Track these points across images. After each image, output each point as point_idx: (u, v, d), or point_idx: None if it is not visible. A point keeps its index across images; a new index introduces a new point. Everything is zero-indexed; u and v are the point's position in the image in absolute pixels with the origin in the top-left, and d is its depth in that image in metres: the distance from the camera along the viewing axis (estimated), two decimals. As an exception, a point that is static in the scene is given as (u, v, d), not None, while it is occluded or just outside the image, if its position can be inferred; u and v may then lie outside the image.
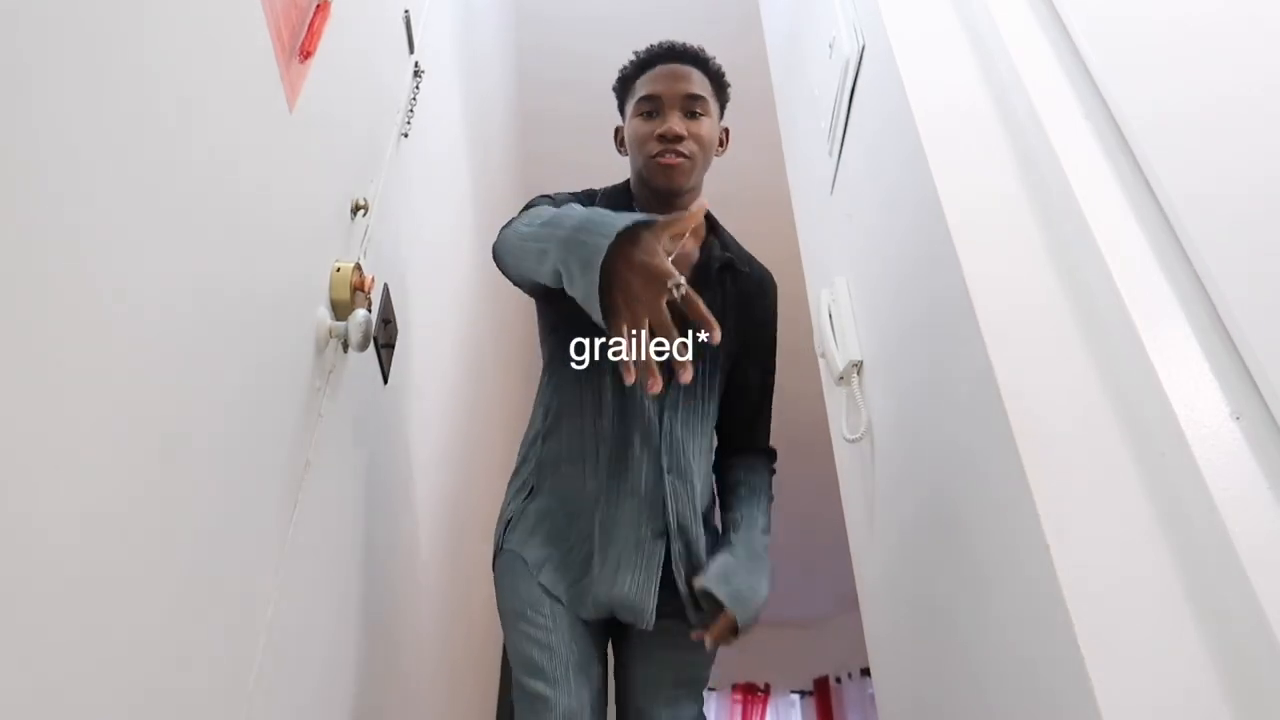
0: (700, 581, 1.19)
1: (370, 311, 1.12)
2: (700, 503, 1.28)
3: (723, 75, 1.38)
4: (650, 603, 1.18)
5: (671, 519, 1.22)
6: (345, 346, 1.08)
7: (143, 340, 0.62)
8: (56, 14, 0.51)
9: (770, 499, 1.37)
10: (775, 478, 1.41)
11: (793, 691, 7.40)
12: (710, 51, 1.38)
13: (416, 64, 1.56)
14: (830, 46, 1.61)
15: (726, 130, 1.42)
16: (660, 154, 1.29)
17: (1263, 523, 0.69)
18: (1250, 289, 0.80)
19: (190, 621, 0.71)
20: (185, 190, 0.67)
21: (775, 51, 2.42)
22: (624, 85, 1.39)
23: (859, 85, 1.44)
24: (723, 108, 1.40)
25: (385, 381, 1.38)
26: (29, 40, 0.48)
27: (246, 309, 0.81)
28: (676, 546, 1.22)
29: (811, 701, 7.29)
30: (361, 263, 1.15)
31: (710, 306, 1.10)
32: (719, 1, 3.16)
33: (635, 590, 1.18)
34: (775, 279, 1.47)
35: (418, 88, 1.54)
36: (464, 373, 2.18)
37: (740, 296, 1.36)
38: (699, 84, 1.33)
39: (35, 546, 0.50)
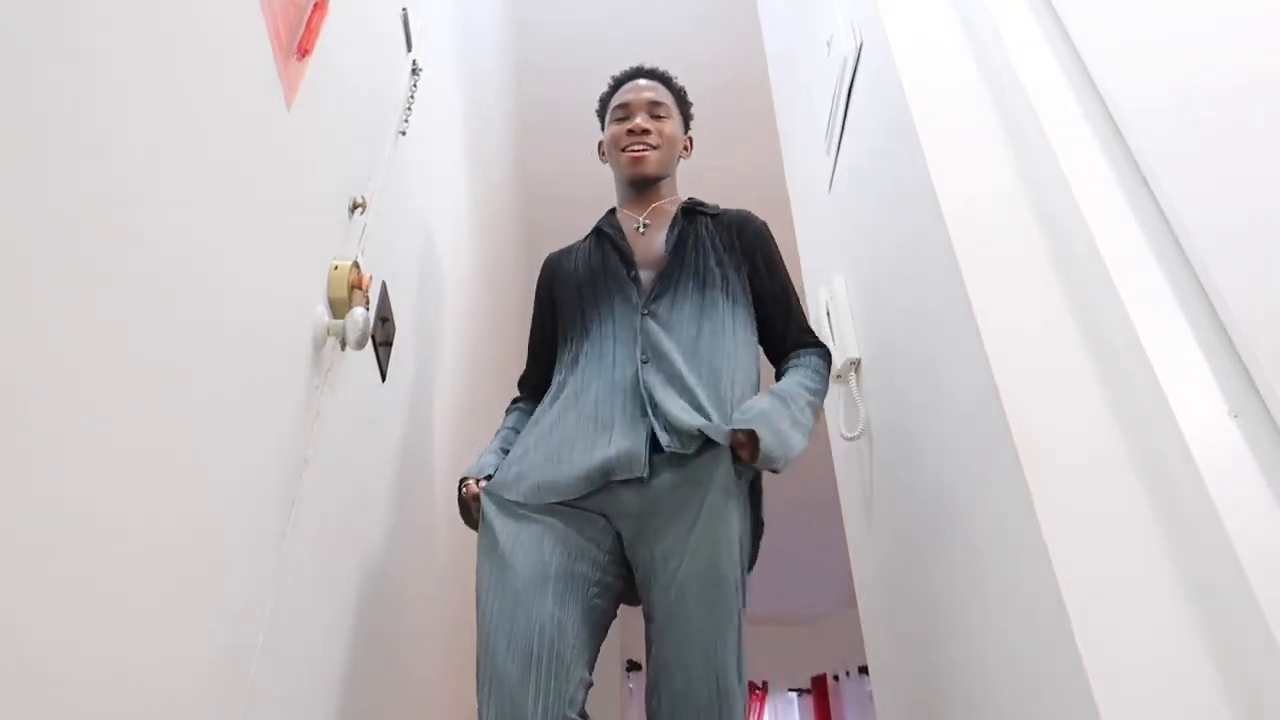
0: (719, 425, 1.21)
1: (368, 309, 1.12)
2: (691, 386, 1.27)
3: (684, 94, 1.64)
4: (643, 447, 1.19)
5: (651, 399, 1.25)
6: (343, 344, 1.08)
7: (140, 338, 0.61)
8: (54, 13, 0.51)
9: (817, 371, 1.38)
10: (812, 400, 1.37)
11: (791, 689, 7.41)
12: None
13: (414, 62, 1.56)
14: (828, 45, 1.61)
15: (691, 139, 1.66)
16: (630, 147, 1.53)
17: (1260, 520, 0.69)
18: (1248, 287, 0.80)
19: (188, 618, 0.71)
20: (182, 188, 0.67)
21: (773, 51, 2.42)
22: (603, 105, 1.64)
23: (856, 83, 1.44)
24: (686, 121, 1.64)
25: (383, 379, 1.38)
26: (25, 38, 0.48)
27: (244, 307, 0.81)
28: (660, 420, 1.22)
29: (809, 699, 7.30)
30: (359, 261, 1.15)
31: (693, 237, 1.46)
32: (718, 1, 3.16)
33: (624, 444, 1.20)
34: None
35: (415, 85, 1.54)
36: (462, 370, 2.18)
37: (720, 224, 1.50)
38: (662, 94, 1.58)
39: (31, 543, 0.50)
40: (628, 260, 1.45)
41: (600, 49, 3.16)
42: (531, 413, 1.45)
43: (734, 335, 1.37)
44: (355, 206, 1.19)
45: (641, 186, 1.54)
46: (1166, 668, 0.69)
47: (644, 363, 1.31)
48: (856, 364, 1.50)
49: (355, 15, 1.18)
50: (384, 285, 1.34)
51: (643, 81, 1.60)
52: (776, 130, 2.40)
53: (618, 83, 1.63)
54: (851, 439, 1.50)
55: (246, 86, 0.80)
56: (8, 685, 0.47)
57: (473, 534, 1.27)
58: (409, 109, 1.50)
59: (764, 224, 1.53)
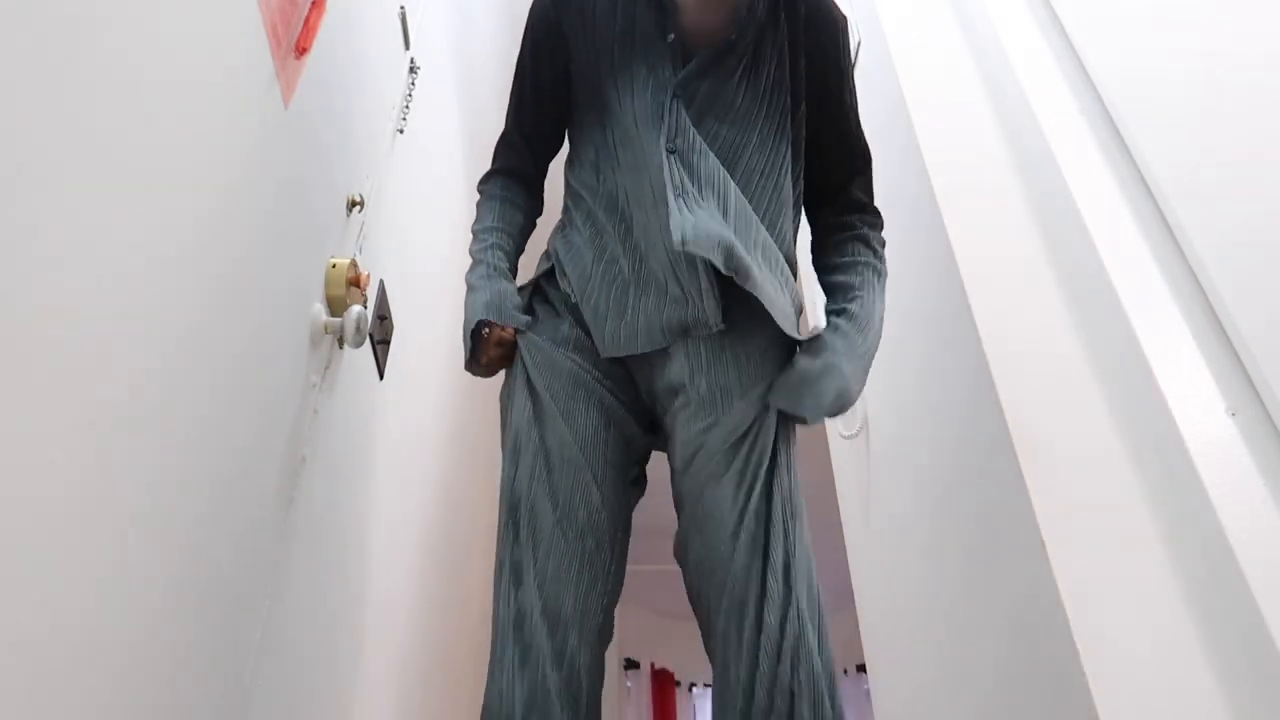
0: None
1: (366, 307, 1.12)
2: (752, 229, 1.01)
3: None
4: (713, 298, 0.94)
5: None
6: (341, 342, 1.08)
7: (138, 336, 0.61)
8: (51, 11, 0.50)
9: (880, 276, 1.06)
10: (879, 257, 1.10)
11: (788, 687, 7.40)
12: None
13: (412, 60, 1.56)
14: (827, 43, 1.60)
15: None
16: None
17: (1257, 517, 0.70)
18: (1246, 286, 0.80)
19: (185, 617, 0.71)
20: (181, 187, 0.67)
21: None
22: None
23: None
24: None
25: (381, 377, 1.38)
26: (21, 35, 0.48)
27: (242, 305, 0.81)
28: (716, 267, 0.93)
29: (807, 697, 7.28)
30: (357, 259, 1.15)
31: (771, 44, 1.08)
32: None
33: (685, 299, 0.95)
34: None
35: (413, 84, 1.54)
36: (459, 368, 2.18)
37: (805, 24, 1.11)
38: None
39: (28, 541, 0.50)
40: (665, 15, 1.06)
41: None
42: (521, 212, 1.16)
43: (780, 171, 1.05)
44: (353, 204, 1.19)
45: None
46: (1163, 664, 0.69)
47: (671, 153, 0.99)
48: (854, 362, 1.50)
49: (353, 13, 1.18)
50: (382, 283, 1.34)
51: None
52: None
53: None
54: (849, 437, 1.50)
55: (244, 85, 0.80)
56: (7, 684, 0.47)
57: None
58: (407, 107, 1.50)
59: (847, 28, 1.15)
